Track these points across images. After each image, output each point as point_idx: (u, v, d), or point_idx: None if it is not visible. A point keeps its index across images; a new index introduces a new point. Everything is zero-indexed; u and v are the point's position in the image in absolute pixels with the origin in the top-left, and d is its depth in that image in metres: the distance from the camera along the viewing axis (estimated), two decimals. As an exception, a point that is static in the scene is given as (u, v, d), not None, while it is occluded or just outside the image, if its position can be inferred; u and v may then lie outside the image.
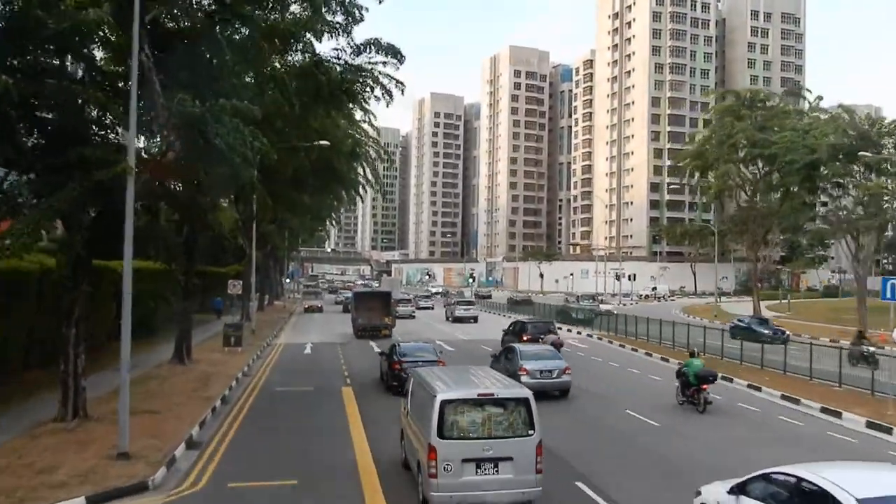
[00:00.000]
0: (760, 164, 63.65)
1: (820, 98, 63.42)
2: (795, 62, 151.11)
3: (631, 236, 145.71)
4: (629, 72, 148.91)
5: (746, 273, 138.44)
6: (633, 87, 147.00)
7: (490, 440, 11.87)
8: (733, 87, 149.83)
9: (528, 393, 12.55)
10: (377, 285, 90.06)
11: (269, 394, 25.00)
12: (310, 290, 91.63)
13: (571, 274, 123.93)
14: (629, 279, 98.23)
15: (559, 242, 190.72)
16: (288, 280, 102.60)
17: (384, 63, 30.25)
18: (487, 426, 11.99)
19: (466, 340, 44.26)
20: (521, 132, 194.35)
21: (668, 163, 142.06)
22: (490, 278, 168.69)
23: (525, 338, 33.74)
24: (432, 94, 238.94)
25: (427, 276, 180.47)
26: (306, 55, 27.54)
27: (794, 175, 55.13)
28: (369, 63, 30.30)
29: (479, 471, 11.76)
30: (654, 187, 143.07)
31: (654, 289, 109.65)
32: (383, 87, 32.57)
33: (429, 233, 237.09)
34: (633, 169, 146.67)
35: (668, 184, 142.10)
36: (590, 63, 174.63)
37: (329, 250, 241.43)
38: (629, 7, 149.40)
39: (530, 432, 12.00)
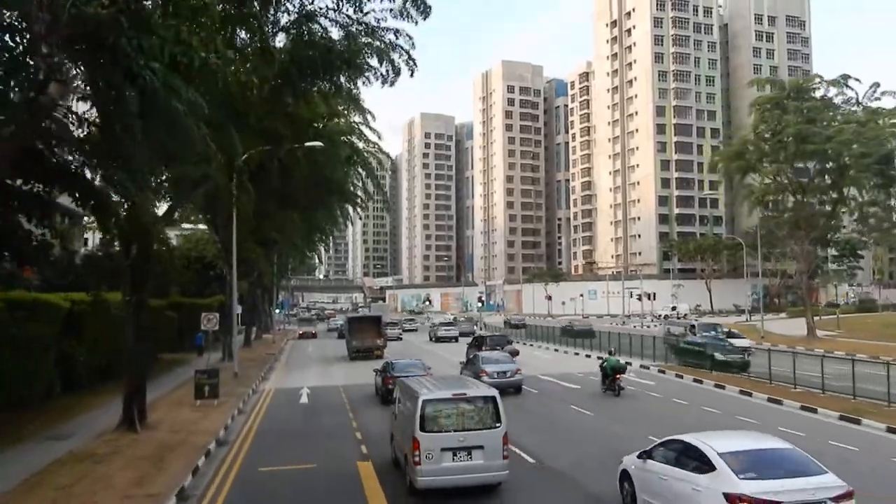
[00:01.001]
0: (810, 162, 56.38)
1: (876, 85, 55.69)
2: (803, 66, 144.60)
3: (640, 253, 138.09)
4: (631, 81, 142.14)
5: (765, 289, 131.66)
6: (636, 96, 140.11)
7: (464, 432, 14.16)
8: (740, 94, 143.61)
9: (494, 392, 14.97)
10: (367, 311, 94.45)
11: (252, 481, 16.72)
12: (304, 319, 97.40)
13: (581, 295, 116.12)
14: (649, 298, 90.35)
15: (559, 263, 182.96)
16: (278, 311, 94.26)
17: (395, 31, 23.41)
18: (461, 420, 14.27)
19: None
20: (517, 149, 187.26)
21: (675, 174, 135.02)
22: (491, 302, 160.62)
23: (485, 348, 39.09)
24: (422, 115, 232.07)
25: (427, 303, 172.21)
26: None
27: (864, 171, 47.42)
28: (376, 22, 22.93)
29: (455, 458, 14.04)
30: (663, 201, 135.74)
31: (674, 308, 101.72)
32: (391, 61, 25.19)
33: (422, 257, 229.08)
34: (638, 182, 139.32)
35: (678, 197, 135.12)
36: (586, 76, 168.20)
37: (320, 278, 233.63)
38: (628, 14, 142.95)
39: (497, 425, 14.32)
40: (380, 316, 57.58)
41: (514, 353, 39.90)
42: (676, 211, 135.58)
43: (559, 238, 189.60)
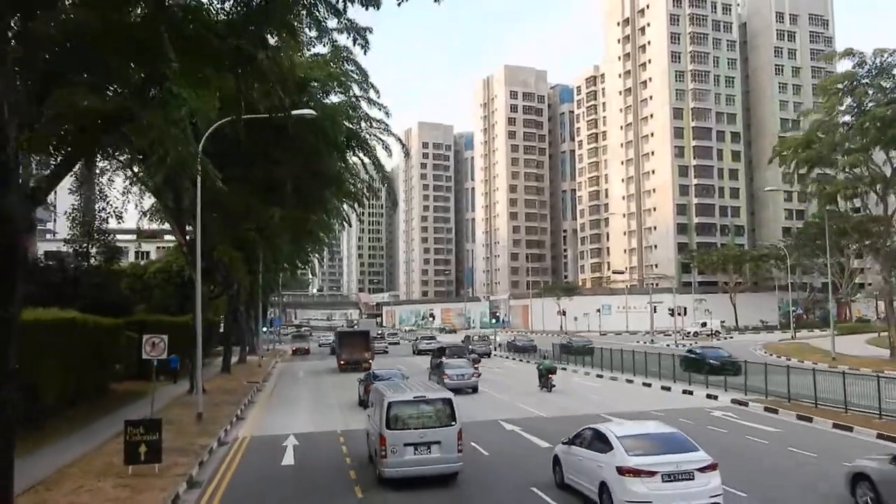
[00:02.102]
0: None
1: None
2: (827, 68, 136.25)
3: (656, 265, 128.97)
4: (645, 82, 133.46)
5: (793, 303, 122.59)
6: (651, 98, 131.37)
7: (424, 429, 16.39)
8: (761, 96, 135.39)
9: (450, 395, 17.45)
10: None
11: None
12: (297, 335, 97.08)
13: (598, 310, 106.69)
14: (680, 314, 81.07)
15: (565, 277, 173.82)
16: (265, 329, 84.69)
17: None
18: (421, 419, 16.53)
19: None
20: (521, 157, 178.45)
21: (695, 181, 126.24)
22: (497, 317, 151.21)
23: (445, 358, 41.23)
24: (420, 124, 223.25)
25: (430, 317, 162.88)
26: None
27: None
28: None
29: (416, 452, 16.22)
30: (681, 209, 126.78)
31: (704, 324, 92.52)
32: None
33: (420, 272, 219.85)
34: (654, 190, 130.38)
35: (697, 205, 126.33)
36: (593, 80, 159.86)
37: (314, 293, 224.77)
38: (641, 11, 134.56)
39: (452, 423, 16.52)
40: (368, 331, 61.11)
41: (477, 361, 44.82)
42: (696, 220, 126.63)
43: (565, 251, 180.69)
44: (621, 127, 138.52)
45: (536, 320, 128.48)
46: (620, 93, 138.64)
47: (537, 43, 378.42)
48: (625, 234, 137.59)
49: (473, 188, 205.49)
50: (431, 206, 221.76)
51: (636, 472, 13.26)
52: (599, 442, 14.70)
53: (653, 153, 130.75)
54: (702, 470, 13.37)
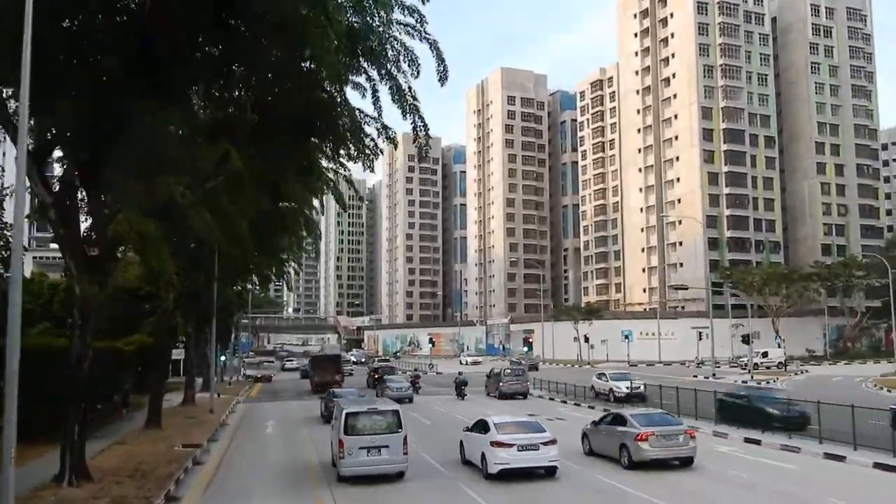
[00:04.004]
0: None
1: None
2: (867, 68, 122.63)
3: (682, 286, 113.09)
4: (668, 79, 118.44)
5: (838, 330, 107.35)
6: (675, 97, 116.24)
7: (375, 435, 19.92)
8: (794, 98, 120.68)
9: (397, 407, 21.41)
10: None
11: None
12: (262, 363, 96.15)
13: (626, 337, 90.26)
14: (747, 341, 64.83)
15: (566, 299, 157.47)
16: (224, 358, 66.75)
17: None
18: (373, 426, 20.15)
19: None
20: (518, 169, 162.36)
21: (726, 190, 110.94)
22: (494, 344, 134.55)
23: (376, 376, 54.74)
24: (405, 135, 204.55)
25: (412, 346, 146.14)
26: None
27: None
28: None
29: (369, 454, 19.74)
30: (711, 221, 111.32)
31: (766, 354, 76.50)
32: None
33: (405, 293, 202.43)
34: (679, 200, 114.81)
35: (729, 217, 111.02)
36: (599, 84, 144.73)
37: (289, 316, 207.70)
38: (663, 1, 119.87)
39: (399, 430, 20.07)
40: (339, 355, 68.22)
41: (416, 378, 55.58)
42: (727, 234, 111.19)
43: (565, 271, 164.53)
44: (639, 130, 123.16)
45: (540, 347, 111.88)
46: (638, 92, 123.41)
47: (534, 54, 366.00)
48: (643, 250, 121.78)
49: (463, 204, 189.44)
50: (417, 223, 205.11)
51: (502, 444, 20.08)
52: (484, 427, 21.33)
53: (677, 159, 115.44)
54: (545, 444, 20.20)
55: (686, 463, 21.31)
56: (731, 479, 20.19)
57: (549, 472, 20.09)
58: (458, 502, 18.30)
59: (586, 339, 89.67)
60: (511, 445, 19.70)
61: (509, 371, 49.16)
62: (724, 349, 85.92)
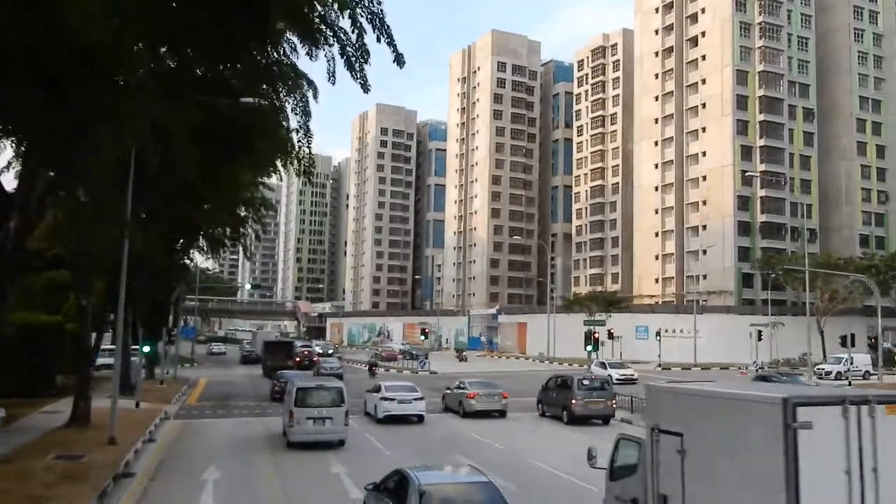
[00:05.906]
0: None
1: None
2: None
3: (704, 276, 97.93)
4: (695, 38, 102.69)
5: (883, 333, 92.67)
6: (704, 58, 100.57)
7: (321, 408, 23.37)
8: (833, 68, 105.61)
9: (341, 384, 25.12)
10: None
11: None
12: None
13: (656, 334, 74.21)
14: (848, 344, 49.22)
15: (552, 290, 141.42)
16: (148, 349, 47.27)
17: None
18: (320, 400, 23.56)
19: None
20: (507, 143, 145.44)
21: (760, 167, 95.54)
22: (477, 336, 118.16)
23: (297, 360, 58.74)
24: (378, 106, 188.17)
25: (382, 337, 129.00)
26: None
27: None
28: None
29: (315, 424, 23.08)
30: (742, 203, 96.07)
31: (851, 360, 60.86)
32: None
33: (372, 279, 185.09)
34: (704, 178, 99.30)
35: (763, 198, 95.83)
36: (601, 51, 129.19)
37: (243, 300, 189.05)
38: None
39: (342, 404, 23.50)
40: (292, 342, 74.41)
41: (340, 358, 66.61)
42: (760, 218, 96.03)
43: (552, 258, 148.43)
44: (657, 97, 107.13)
45: (533, 343, 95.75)
46: (657, 54, 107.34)
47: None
48: (656, 234, 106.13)
49: (438, 185, 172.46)
50: (388, 202, 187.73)
51: (387, 399, 29.63)
52: (377, 388, 31.15)
53: (703, 129, 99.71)
54: (416, 400, 29.81)
55: (502, 414, 31.68)
56: None
57: (419, 419, 29.73)
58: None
59: (610, 336, 73.27)
60: (393, 400, 29.86)
61: (586, 383, 31.60)
62: (761, 352, 71.28)
